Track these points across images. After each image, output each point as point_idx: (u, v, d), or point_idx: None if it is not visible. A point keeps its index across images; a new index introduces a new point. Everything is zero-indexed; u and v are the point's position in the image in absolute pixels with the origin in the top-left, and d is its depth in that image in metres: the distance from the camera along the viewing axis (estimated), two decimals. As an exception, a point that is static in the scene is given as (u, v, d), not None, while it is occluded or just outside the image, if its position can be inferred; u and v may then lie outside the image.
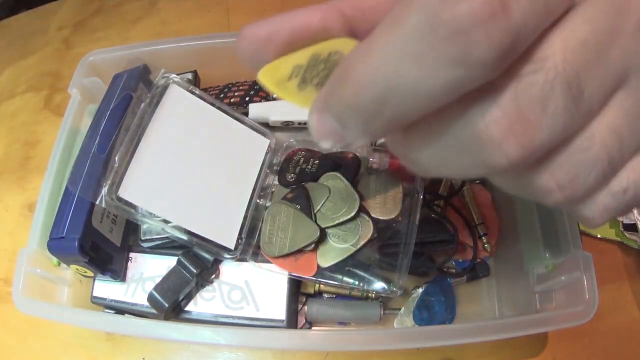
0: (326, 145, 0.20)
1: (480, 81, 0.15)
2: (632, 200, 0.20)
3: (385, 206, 0.42)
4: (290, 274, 0.41)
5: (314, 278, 0.41)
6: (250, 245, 0.42)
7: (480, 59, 0.15)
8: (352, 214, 0.40)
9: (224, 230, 0.41)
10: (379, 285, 0.41)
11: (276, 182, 0.45)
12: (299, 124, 0.48)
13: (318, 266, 0.40)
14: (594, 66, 0.17)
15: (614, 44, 0.17)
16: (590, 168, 0.18)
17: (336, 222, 0.40)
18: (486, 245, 0.48)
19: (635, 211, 0.47)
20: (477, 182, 0.50)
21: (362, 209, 0.41)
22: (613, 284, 0.47)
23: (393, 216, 0.42)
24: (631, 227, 0.47)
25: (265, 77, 0.23)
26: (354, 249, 0.40)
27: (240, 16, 0.62)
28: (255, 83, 0.50)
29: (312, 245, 0.40)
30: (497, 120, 0.16)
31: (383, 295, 0.44)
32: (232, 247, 0.41)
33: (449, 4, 0.14)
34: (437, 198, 0.48)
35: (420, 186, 0.42)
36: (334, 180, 0.43)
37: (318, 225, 0.40)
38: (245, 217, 0.43)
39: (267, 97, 0.50)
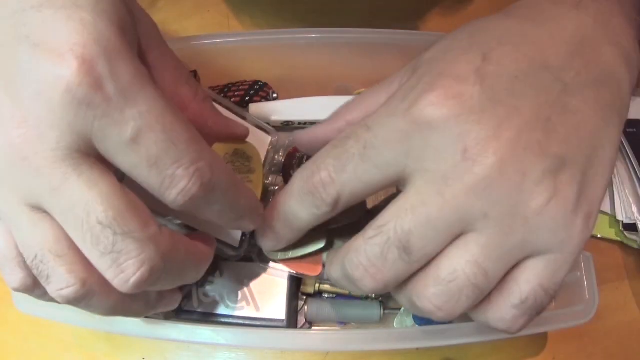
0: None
1: (329, 215, 0.30)
2: (535, 306, 0.25)
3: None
4: (295, 273, 0.40)
5: (316, 276, 0.41)
6: (254, 244, 0.42)
7: (327, 204, 0.29)
8: (357, 215, 0.40)
9: (227, 227, 0.41)
10: (379, 285, 0.41)
11: (278, 181, 0.45)
12: (299, 123, 0.48)
13: (324, 265, 0.40)
14: (421, 228, 0.24)
15: (443, 208, 0.24)
16: (459, 294, 0.24)
17: (341, 223, 0.39)
18: (486, 245, 0.48)
19: (635, 210, 0.47)
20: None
21: (366, 209, 0.41)
22: (613, 284, 0.47)
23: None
24: (631, 227, 0.47)
25: None
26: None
27: (241, 16, 0.61)
28: (255, 83, 0.50)
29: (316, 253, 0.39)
30: (357, 266, 0.27)
31: (383, 294, 0.44)
32: (237, 245, 0.41)
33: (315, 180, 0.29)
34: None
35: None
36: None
37: (325, 233, 0.39)
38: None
39: (267, 97, 0.50)
